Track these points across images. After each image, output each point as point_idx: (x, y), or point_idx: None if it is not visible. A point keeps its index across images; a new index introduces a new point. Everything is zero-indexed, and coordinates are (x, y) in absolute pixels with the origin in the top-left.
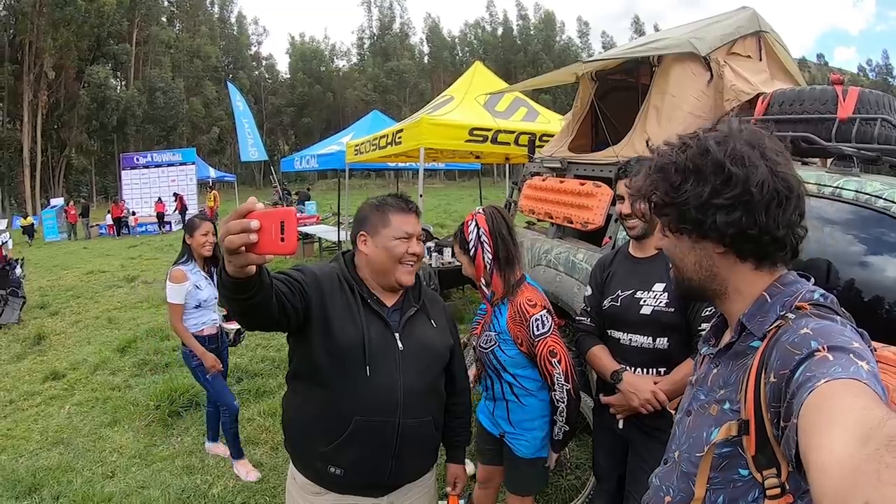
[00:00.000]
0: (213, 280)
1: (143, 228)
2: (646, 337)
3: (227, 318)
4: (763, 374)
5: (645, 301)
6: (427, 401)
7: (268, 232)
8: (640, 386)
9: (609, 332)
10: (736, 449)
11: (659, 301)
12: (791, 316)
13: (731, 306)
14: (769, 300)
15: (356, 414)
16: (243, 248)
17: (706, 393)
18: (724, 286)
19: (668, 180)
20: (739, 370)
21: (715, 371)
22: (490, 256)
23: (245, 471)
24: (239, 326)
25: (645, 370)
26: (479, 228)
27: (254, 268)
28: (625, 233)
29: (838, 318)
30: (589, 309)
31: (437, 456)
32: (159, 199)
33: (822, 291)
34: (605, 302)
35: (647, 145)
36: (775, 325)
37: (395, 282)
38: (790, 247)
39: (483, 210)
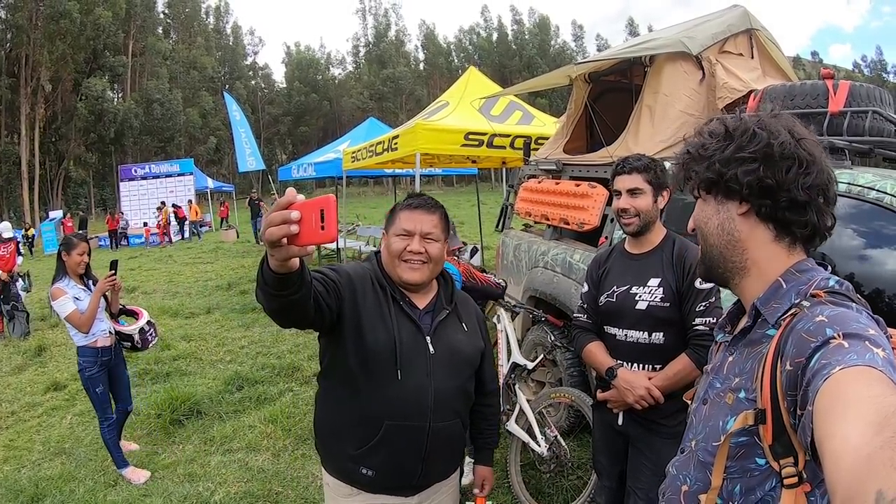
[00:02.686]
0: (90, 290)
1: (142, 240)
2: (641, 332)
3: (114, 317)
4: (779, 363)
5: (640, 296)
6: (456, 403)
7: (308, 222)
8: (635, 382)
9: (605, 328)
10: (752, 438)
11: (654, 296)
12: (806, 304)
13: (748, 285)
14: (784, 286)
15: (387, 418)
16: (285, 241)
17: (721, 381)
18: (744, 257)
19: (700, 140)
20: (754, 358)
21: (730, 359)
22: None
23: (136, 476)
24: (142, 325)
25: (641, 366)
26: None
27: (297, 261)
28: (620, 234)
29: (854, 305)
30: (585, 306)
31: (464, 455)
32: (162, 205)
33: (838, 279)
34: (602, 298)
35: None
36: (790, 312)
37: (399, 280)
38: (812, 224)
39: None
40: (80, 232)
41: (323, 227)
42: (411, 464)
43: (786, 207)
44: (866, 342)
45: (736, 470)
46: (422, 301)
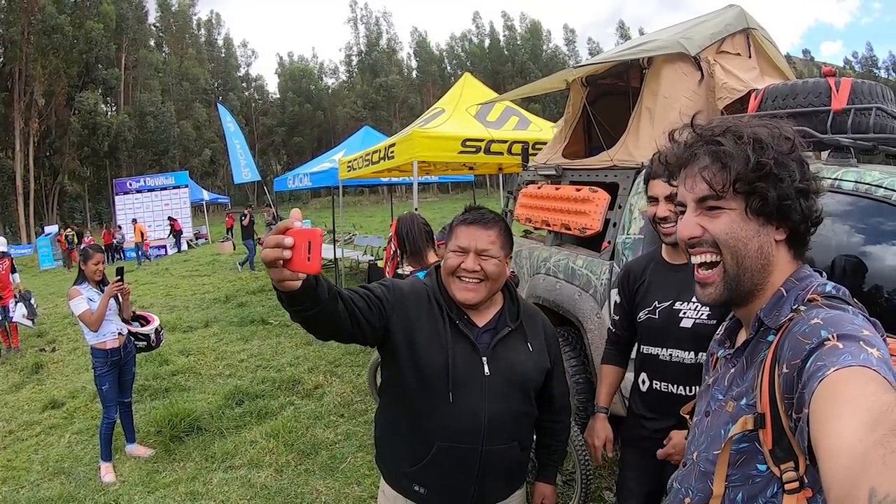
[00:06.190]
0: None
1: (138, 252)
2: (687, 352)
3: (127, 321)
4: (777, 367)
5: (685, 313)
6: (512, 426)
7: (299, 250)
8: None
9: (644, 348)
10: (753, 444)
11: (700, 313)
12: (803, 308)
13: (759, 303)
14: (785, 294)
15: (438, 439)
16: (280, 263)
17: (723, 393)
18: (768, 279)
19: (770, 155)
20: (755, 366)
21: (732, 371)
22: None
23: (104, 471)
24: (156, 326)
25: (686, 388)
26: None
27: (296, 283)
28: (623, 238)
29: (850, 308)
30: (618, 319)
31: (525, 476)
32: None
33: (834, 284)
34: (641, 314)
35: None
36: (788, 318)
37: (454, 298)
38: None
39: (398, 218)
40: (95, 244)
41: (309, 259)
42: (464, 485)
43: (810, 233)
44: (861, 342)
45: (737, 477)
46: (482, 318)
